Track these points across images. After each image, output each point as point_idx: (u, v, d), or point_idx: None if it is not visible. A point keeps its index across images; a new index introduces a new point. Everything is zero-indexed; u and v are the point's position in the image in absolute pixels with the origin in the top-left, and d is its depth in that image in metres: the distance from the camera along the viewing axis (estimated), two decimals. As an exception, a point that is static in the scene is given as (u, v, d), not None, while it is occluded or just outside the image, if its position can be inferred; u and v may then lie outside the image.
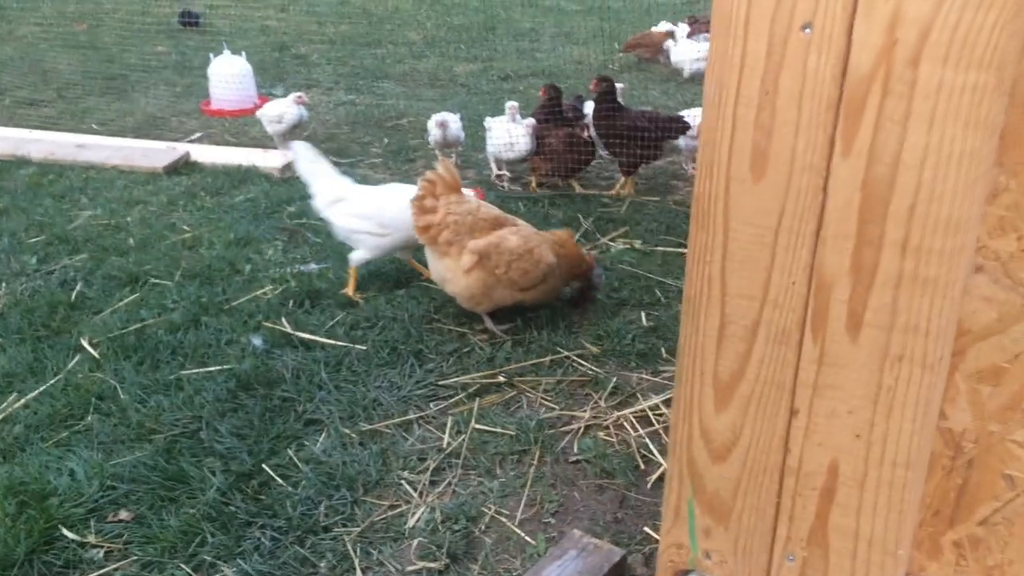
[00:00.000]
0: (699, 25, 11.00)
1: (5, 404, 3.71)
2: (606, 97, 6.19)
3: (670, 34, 10.72)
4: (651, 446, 3.53)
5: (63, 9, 14.64)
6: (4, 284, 4.83)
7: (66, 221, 5.72)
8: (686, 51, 10.01)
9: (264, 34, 12.70)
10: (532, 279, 4.26)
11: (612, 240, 5.46)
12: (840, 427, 1.40)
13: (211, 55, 8.82)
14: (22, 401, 3.73)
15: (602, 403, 3.83)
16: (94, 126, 8.23)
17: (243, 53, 8.84)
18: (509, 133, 6.32)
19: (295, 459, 3.44)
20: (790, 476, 1.47)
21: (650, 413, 3.73)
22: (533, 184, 6.50)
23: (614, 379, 3.99)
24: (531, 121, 6.34)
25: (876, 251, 1.30)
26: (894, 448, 1.39)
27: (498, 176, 6.63)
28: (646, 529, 3.11)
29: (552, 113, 6.51)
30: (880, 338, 1.34)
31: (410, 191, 4.38)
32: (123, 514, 3.15)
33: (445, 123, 6.55)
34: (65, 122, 8.40)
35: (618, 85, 6.47)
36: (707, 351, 1.47)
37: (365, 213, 4.62)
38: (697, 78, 9.91)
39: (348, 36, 12.90)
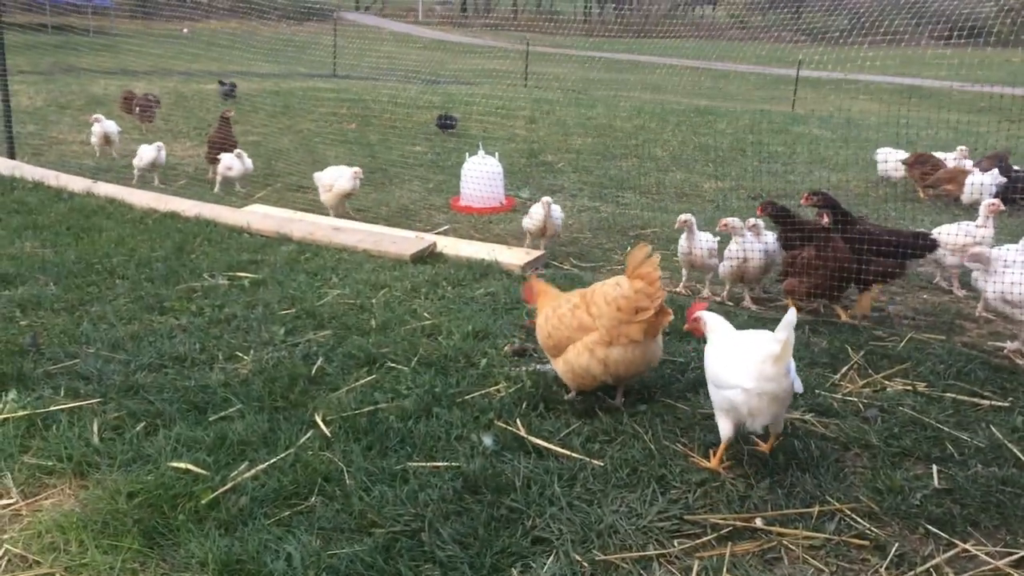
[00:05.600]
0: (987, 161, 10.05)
1: (236, 472, 3.61)
2: (829, 210, 5.85)
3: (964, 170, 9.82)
4: (957, 642, 2.80)
5: (338, 110, 16.03)
6: (252, 351, 4.91)
7: (316, 297, 5.84)
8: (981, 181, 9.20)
9: (513, 142, 13.10)
10: None
11: (888, 379, 4.74)
12: None
13: (467, 154, 9.09)
14: (252, 472, 3.62)
15: (884, 574, 3.14)
16: (351, 212, 8.62)
17: (496, 154, 9.04)
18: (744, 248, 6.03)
19: (519, 582, 3.04)
20: None
21: (952, 598, 2.99)
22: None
23: (897, 545, 3.28)
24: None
25: None
26: None
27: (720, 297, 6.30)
28: None
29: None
30: None
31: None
32: (333, 613, 2.87)
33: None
34: (326, 207, 8.88)
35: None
36: None
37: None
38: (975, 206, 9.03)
39: (593, 148, 13.04)
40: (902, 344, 5.24)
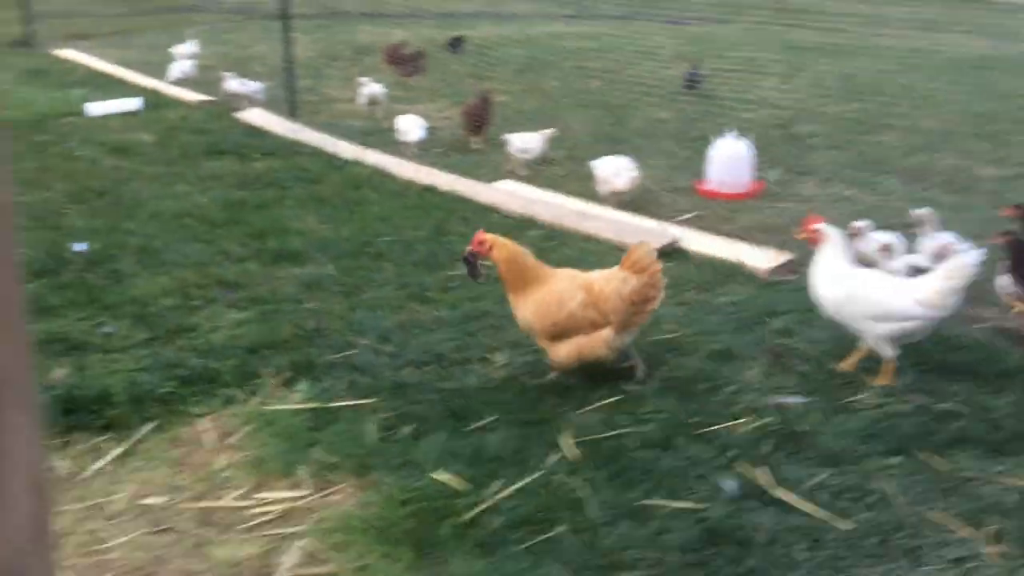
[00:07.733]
0: None
1: (493, 491, 3.90)
2: None
3: None
4: None
5: (584, 63, 16.02)
6: (503, 353, 5.20)
7: (563, 294, 6.03)
8: None
9: (763, 106, 12.47)
10: None
11: None
12: None
13: (713, 137, 8.85)
14: (507, 492, 3.90)
15: None
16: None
17: (748, 137, 8.74)
18: None
19: (758, 653, 3.11)
20: None
21: None
22: None
23: None
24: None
25: None
26: None
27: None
28: None
29: None
30: None
31: None
32: (579, 657, 3.09)
33: None
34: (570, 184, 8.98)
35: None
36: None
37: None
38: None
39: (853, 117, 12.17)
40: None
